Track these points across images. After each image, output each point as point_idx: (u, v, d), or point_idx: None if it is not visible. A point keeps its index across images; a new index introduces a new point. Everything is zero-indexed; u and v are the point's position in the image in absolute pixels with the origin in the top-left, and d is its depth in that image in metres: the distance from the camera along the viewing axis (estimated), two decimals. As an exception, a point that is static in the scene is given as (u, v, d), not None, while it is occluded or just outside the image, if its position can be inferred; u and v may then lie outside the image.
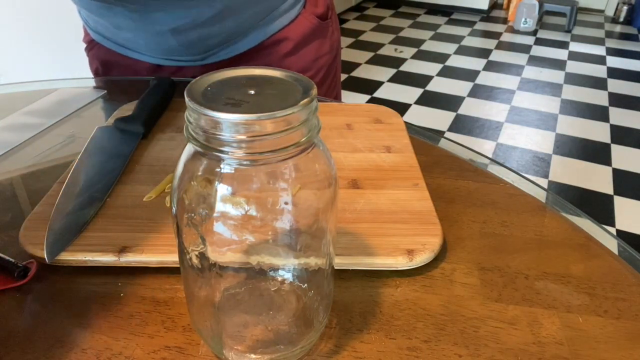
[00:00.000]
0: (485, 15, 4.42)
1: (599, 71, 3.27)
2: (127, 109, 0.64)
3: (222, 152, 0.26)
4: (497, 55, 3.51)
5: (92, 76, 0.86)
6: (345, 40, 3.82)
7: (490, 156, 0.85)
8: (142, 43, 0.75)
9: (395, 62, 3.48)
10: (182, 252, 0.31)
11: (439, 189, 0.54)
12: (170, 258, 0.41)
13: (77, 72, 0.89)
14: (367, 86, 3.10)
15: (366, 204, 0.49)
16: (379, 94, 3.00)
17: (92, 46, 0.83)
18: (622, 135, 2.45)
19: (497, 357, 0.36)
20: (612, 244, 0.47)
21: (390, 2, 4.85)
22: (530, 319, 0.39)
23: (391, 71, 3.32)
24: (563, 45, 3.74)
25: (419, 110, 2.78)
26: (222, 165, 0.27)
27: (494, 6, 4.63)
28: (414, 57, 3.57)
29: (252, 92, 0.28)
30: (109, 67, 0.83)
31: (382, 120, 0.65)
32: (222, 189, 0.28)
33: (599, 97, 2.88)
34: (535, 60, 3.42)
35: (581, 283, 0.43)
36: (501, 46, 3.71)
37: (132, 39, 0.75)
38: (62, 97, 0.75)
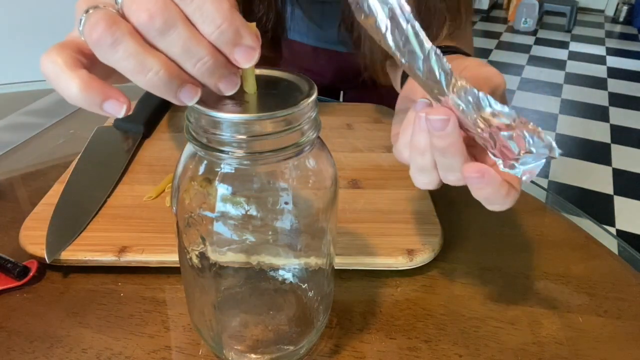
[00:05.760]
0: (485, 15, 4.41)
1: (599, 71, 3.26)
2: (127, 108, 0.64)
3: (222, 151, 0.26)
4: (497, 55, 3.50)
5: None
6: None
7: (490, 156, 0.84)
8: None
9: (395, 62, 3.47)
10: (182, 252, 0.31)
11: (439, 189, 0.53)
12: (170, 258, 0.41)
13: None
14: (367, 86, 3.08)
15: (366, 204, 0.49)
16: (379, 94, 2.99)
17: None
18: (622, 135, 2.45)
19: (497, 357, 0.36)
20: (612, 244, 0.47)
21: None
22: (530, 319, 0.39)
23: (391, 71, 3.31)
24: (563, 45, 3.73)
25: (419, 110, 2.77)
26: (222, 165, 0.27)
27: (494, 6, 4.62)
28: (414, 57, 3.55)
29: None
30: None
31: (382, 120, 0.65)
32: (223, 189, 0.28)
33: (599, 97, 2.88)
34: (535, 60, 3.41)
35: (581, 283, 0.43)
36: (501, 46, 3.70)
37: None
38: (62, 97, 0.74)
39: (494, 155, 0.28)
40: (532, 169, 0.27)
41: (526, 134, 0.26)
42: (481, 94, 0.27)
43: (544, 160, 0.26)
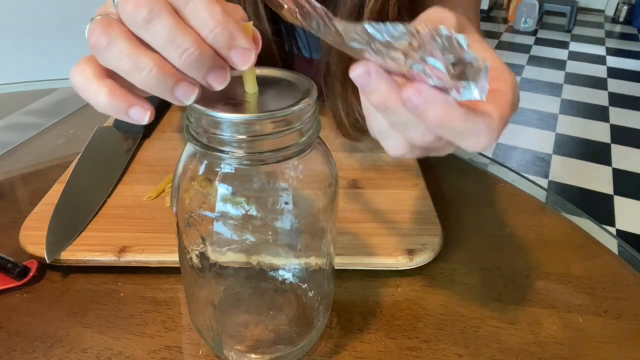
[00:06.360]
0: (485, 15, 4.41)
1: (599, 71, 3.26)
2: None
3: (222, 151, 0.26)
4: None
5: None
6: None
7: (490, 156, 0.85)
8: None
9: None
10: (182, 252, 0.31)
11: (439, 189, 0.54)
12: (170, 258, 0.41)
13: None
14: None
15: (366, 204, 0.49)
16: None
17: None
18: (622, 135, 2.45)
19: (497, 357, 0.36)
20: (612, 244, 0.47)
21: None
22: (530, 319, 0.39)
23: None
24: (563, 45, 3.73)
25: (419, 110, 2.76)
26: (222, 165, 0.27)
27: (494, 6, 4.62)
28: (414, 57, 3.55)
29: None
30: None
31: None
32: (223, 189, 0.28)
33: (599, 97, 2.88)
34: (535, 60, 3.41)
35: (581, 283, 0.43)
36: (501, 46, 3.70)
37: None
38: (62, 97, 0.75)
39: (442, 90, 0.23)
40: (481, 83, 0.22)
41: (432, 43, 0.22)
42: (368, 27, 0.23)
43: (488, 64, 0.22)
